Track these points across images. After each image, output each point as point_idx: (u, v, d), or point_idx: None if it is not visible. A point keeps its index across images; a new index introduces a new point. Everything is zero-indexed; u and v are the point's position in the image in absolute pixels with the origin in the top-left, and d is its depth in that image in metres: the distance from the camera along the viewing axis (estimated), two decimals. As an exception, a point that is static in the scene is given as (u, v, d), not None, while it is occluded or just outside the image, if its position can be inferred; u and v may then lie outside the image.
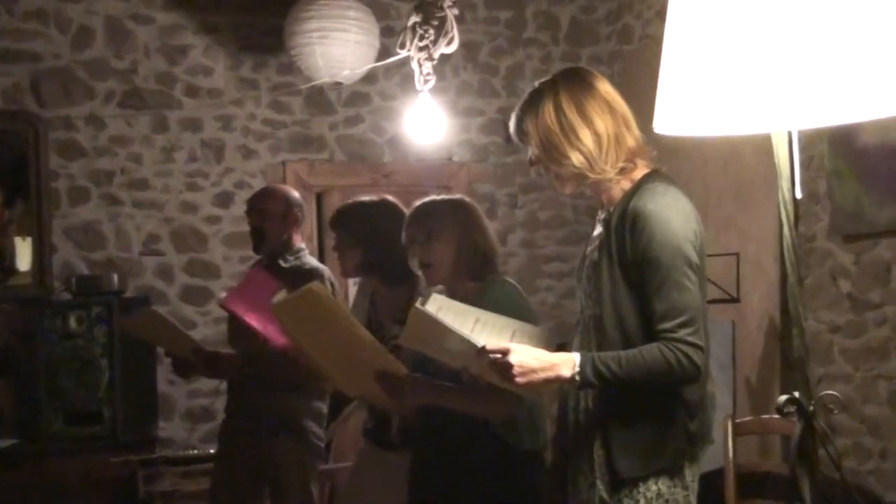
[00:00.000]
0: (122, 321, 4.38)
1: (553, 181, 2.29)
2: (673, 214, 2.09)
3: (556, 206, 5.69)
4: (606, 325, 2.14)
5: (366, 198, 3.32)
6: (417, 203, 2.83)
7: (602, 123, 2.18)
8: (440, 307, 2.33)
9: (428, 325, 2.24)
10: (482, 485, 2.57)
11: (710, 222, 4.82)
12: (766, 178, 4.24)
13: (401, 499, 2.96)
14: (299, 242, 3.81)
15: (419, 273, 2.82)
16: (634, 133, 2.22)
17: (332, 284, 3.68)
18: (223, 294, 3.82)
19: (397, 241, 2.91)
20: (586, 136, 2.17)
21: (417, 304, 2.26)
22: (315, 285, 2.51)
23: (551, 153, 2.20)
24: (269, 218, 3.75)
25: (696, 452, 2.18)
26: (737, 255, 4.15)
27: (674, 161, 4.79)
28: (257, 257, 3.94)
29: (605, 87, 2.23)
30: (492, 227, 2.83)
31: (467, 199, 2.86)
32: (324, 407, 3.75)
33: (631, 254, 2.11)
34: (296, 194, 3.89)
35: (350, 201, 3.32)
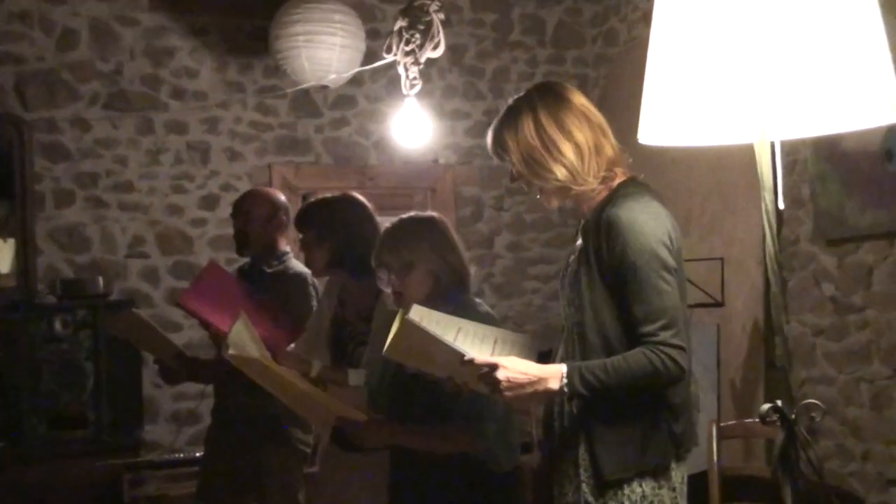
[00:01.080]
0: (108, 323, 4.38)
1: (537, 196, 2.30)
2: (646, 220, 2.12)
3: (542, 209, 5.70)
4: (588, 333, 2.16)
5: (328, 195, 3.32)
6: (389, 227, 2.76)
7: (581, 135, 2.21)
8: (422, 317, 2.34)
9: (415, 336, 2.24)
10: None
11: (694, 227, 4.85)
12: (750, 182, 4.25)
13: (368, 498, 2.97)
14: (284, 246, 3.80)
15: (387, 290, 2.77)
16: (611, 141, 2.26)
17: (315, 289, 3.68)
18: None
19: (363, 233, 2.91)
20: (568, 150, 2.19)
21: (403, 315, 2.26)
22: (259, 359, 2.52)
23: (534, 169, 2.22)
24: (252, 221, 3.74)
25: (683, 453, 2.20)
26: (721, 259, 4.17)
27: (659, 166, 4.82)
28: (243, 260, 3.94)
29: (579, 100, 2.26)
30: (463, 245, 2.77)
31: (438, 216, 2.80)
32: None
33: (608, 261, 2.13)
34: (281, 197, 3.88)
35: (312, 199, 3.33)
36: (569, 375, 2.10)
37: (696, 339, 4.49)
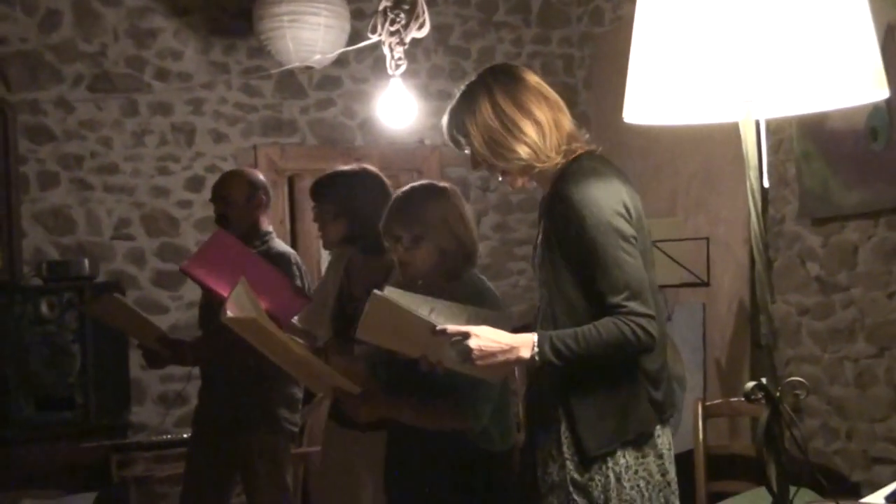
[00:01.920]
0: (84, 306, 4.36)
1: (500, 178, 2.29)
2: (596, 192, 2.12)
3: (527, 190, 5.69)
4: (557, 312, 2.17)
5: (346, 167, 3.28)
6: (401, 194, 2.69)
7: (540, 112, 2.21)
8: (398, 297, 2.33)
9: (386, 311, 2.23)
10: (453, 486, 2.58)
11: (680, 206, 4.86)
12: (736, 161, 4.26)
13: (371, 474, 2.97)
14: (266, 226, 3.78)
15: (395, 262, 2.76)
16: (568, 117, 2.27)
17: (299, 269, 3.67)
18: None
19: (379, 210, 2.88)
20: (529, 128, 2.19)
21: (376, 292, 2.26)
22: (257, 318, 2.48)
23: (496, 150, 2.21)
24: (232, 204, 3.72)
25: (666, 418, 2.21)
26: (707, 238, 4.18)
27: (645, 146, 4.82)
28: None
29: (533, 78, 2.27)
30: (474, 219, 2.73)
31: (451, 188, 2.72)
32: (298, 392, 3.75)
33: (565, 239, 2.13)
34: (259, 177, 3.85)
35: (329, 171, 3.26)
36: (539, 344, 2.11)
37: (681, 318, 4.54)
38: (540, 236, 2.26)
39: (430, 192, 2.69)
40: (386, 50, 4.15)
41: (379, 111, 4.63)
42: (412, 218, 2.61)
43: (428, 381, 2.44)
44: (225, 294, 3.26)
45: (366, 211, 3.07)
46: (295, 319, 3.36)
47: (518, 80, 2.25)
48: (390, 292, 2.36)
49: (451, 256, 2.63)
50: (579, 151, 2.24)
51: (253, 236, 3.71)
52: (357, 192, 3.12)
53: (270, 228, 3.81)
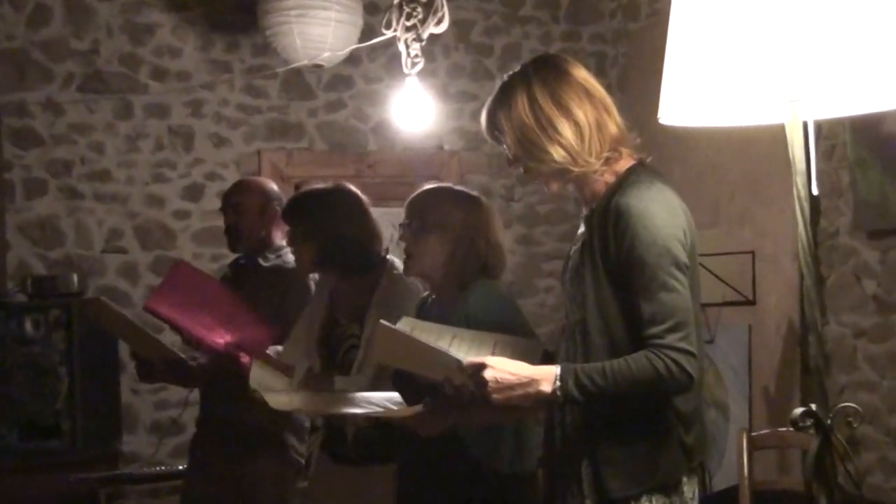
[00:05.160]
0: (80, 307, 4.38)
1: (537, 180, 2.30)
2: (658, 210, 2.11)
3: (556, 200, 5.70)
4: (592, 332, 2.16)
5: (319, 185, 3.32)
6: (433, 186, 2.81)
7: (581, 112, 2.20)
8: (413, 328, 2.35)
9: (397, 342, 2.26)
10: None
11: (723, 218, 4.84)
12: (784, 167, 4.24)
13: None
14: (280, 239, 3.80)
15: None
16: (616, 119, 2.24)
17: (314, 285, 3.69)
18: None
19: (354, 229, 2.91)
20: (565, 128, 2.19)
21: (382, 322, 2.28)
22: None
23: (530, 150, 2.21)
24: (244, 214, 3.74)
25: (695, 466, 2.20)
26: (752, 252, 4.17)
27: (682, 150, 4.81)
28: (232, 256, 3.94)
29: (580, 73, 2.26)
30: (504, 237, 2.79)
31: (485, 201, 2.82)
32: (306, 419, 3.75)
33: (614, 254, 2.13)
34: (274, 187, 3.89)
35: (301, 191, 3.34)
36: (562, 378, 2.10)
37: (724, 340, 4.52)
38: (576, 248, 2.26)
39: (458, 194, 2.78)
40: (401, 47, 4.17)
41: (394, 113, 4.64)
42: (426, 206, 2.70)
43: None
44: (195, 332, 3.33)
45: (337, 230, 3.13)
46: (275, 350, 3.39)
47: (562, 73, 2.24)
48: (406, 322, 2.38)
49: (462, 263, 2.65)
50: (626, 160, 2.22)
51: (265, 249, 3.73)
52: (328, 212, 3.16)
53: (283, 242, 3.83)
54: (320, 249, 3.17)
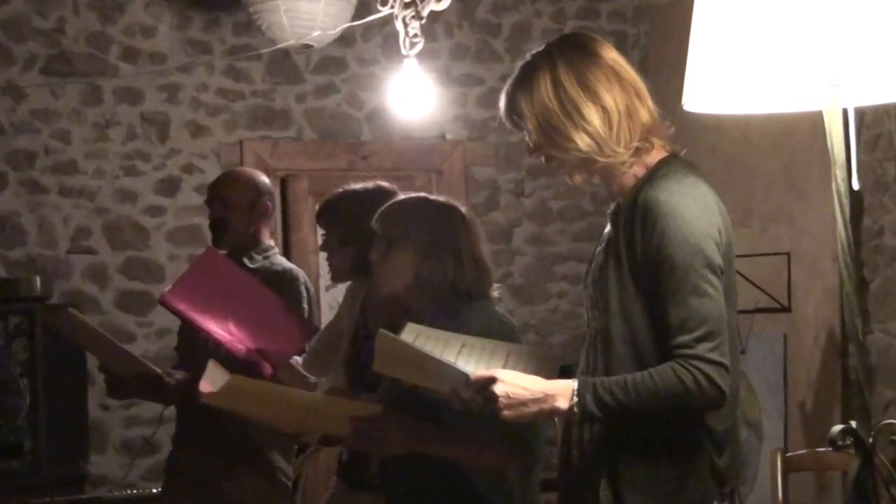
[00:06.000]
0: (45, 317, 4.38)
1: (559, 171, 2.31)
2: (690, 206, 2.11)
3: (571, 195, 5.71)
4: (615, 340, 2.16)
5: (357, 186, 3.34)
6: (405, 197, 2.84)
7: (609, 97, 2.19)
8: (417, 335, 2.36)
9: (399, 352, 2.28)
10: None
11: (756, 214, 4.85)
12: (824, 159, 4.26)
13: None
14: (268, 239, 3.82)
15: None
16: (648, 105, 2.23)
17: (307, 290, 3.70)
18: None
19: None
20: (592, 114, 2.18)
21: (382, 330, 2.29)
22: (235, 379, 2.56)
23: (552, 138, 2.21)
24: (233, 207, 3.75)
25: (726, 492, 2.20)
26: (788, 254, 4.17)
27: (710, 140, 4.81)
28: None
29: (609, 54, 2.25)
30: (482, 256, 2.80)
31: (468, 213, 2.82)
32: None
33: (641, 254, 2.12)
34: (265, 179, 3.90)
35: (339, 191, 3.34)
36: (580, 393, 2.10)
37: (757, 351, 4.52)
38: (601, 247, 2.26)
39: (435, 205, 2.80)
40: (399, 25, 4.17)
41: (390, 99, 4.65)
42: (394, 220, 2.74)
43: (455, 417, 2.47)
44: (215, 331, 3.31)
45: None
46: (296, 360, 3.39)
47: (589, 54, 2.23)
48: (411, 329, 2.39)
49: (427, 280, 2.69)
50: (658, 151, 2.22)
51: (251, 249, 3.74)
52: (367, 213, 3.16)
53: (272, 242, 3.85)
54: (360, 256, 3.17)
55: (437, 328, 2.53)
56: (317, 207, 3.41)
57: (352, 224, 3.21)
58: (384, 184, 3.34)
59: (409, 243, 2.71)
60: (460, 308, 2.70)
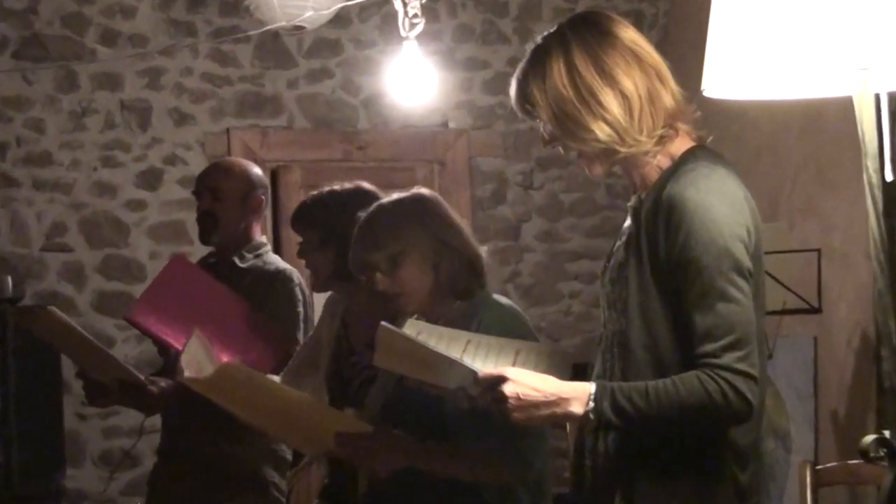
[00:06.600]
0: (19, 317, 4.38)
1: (577, 162, 2.30)
2: (718, 205, 2.10)
3: (584, 187, 5.71)
4: (633, 346, 2.16)
5: (336, 186, 3.35)
6: (365, 215, 2.82)
7: (629, 81, 2.18)
8: (419, 332, 2.37)
9: (401, 347, 2.28)
10: None
11: (783, 208, 4.85)
12: (856, 149, 4.26)
13: None
14: (260, 235, 3.82)
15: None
16: (671, 88, 2.22)
17: (302, 292, 3.71)
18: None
19: None
20: (611, 100, 2.17)
21: (384, 324, 2.30)
22: (227, 365, 2.56)
23: (568, 127, 2.20)
24: (224, 200, 3.74)
25: None
26: (818, 251, 4.17)
27: (734, 129, 4.81)
28: (199, 254, 3.96)
29: (628, 34, 2.23)
30: (467, 225, 2.84)
31: (429, 193, 2.86)
32: (287, 450, 3.77)
33: (665, 254, 2.12)
34: (258, 171, 3.90)
35: (315, 193, 3.35)
36: (596, 398, 2.09)
37: (785, 355, 4.52)
38: (621, 244, 2.26)
39: (400, 203, 2.81)
40: (398, 5, 4.18)
41: (389, 85, 4.65)
42: (383, 235, 2.72)
43: (456, 423, 2.47)
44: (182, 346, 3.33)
45: None
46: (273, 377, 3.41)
47: (606, 34, 2.21)
48: (413, 325, 2.40)
49: (449, 270, 2.69)
50: (684, 140, 2.21)
51: (242, 246, 3.74)
52: (349, 212, 3.18)
53: (265, 239, 3.85)
54: (341, 258, 3.17)
55: (446, 323, 2.55)
56: (291, 215, 3.42)
57: (332, 223, 3.21)
58: (364, 184, 3.35)
59: (415, 247, 2.70)
60: (470, 303, 2.71)
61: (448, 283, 2.70)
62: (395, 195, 2.88)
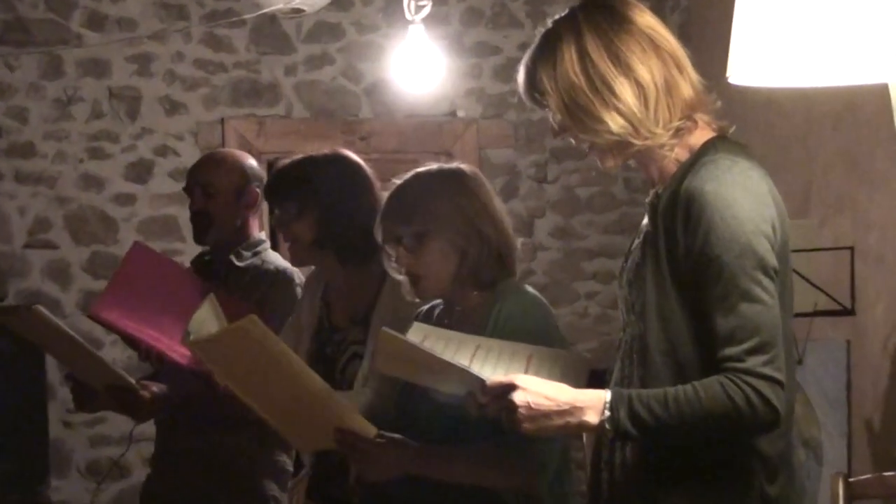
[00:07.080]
0: (2, 317, 4.39)
1: (590, 153, 2.30)
2: (740, 199, 2.10)
3: (601, 181, 5.71)
4: (652, 350, 2.15)
5: (314, 153, 3.34)
6: (399, 183, 2.78)
7: (645, 69, 2.18)
8: (426, 337, 2.36)
9: (404, 353, 2.28)
10: None
11: (814, 203, 4.84)
12: (893, 141, 4.25)
13: None
14: (258, 232, 3.81)
15: (400, 278, 2.80)
16: (690, 77, 2.21)
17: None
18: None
19: (358, 204, 2.97)
20: (625, 90, 2.17)
21: (385, 329, 2.29)
22: (248, 321, 2.52)
23: (580, 118, 2.20)
24: (216, 196, 3.74)
25: None
26: (851, 249, 4.16)
27: (761, 119, 4.80)
28: (192, 252, 3.96)
29: (644, 19, 2.23)
30: (506, 212, 2.79)
31: (470, 170, 2.81)
32: (288, 462, 3.76)
33: (684, 253, 2.11)
34: (253, 163, 3.88)
35: (292, 159, 3.32)
36: (613, 406, 2.09)
37: (816, 360, 4.51)
38: (638, 243, 2.26)
39: (437, 176, 2.76)
40: (403, -14, 4.18)
41: (393, 71, 4.66)
42: (412, 209, 2.68)
43: (466, 425, 2.47)
44: (156, 341, 3.31)
45: (338, 203, 3.14)
46: None
47: (621, 19, 2.21)
48: (418, 329, 2.39)
49: (476, 259, 2.67)
50: (703, 131, 2.21)
51: (239, 244, 3.73)
52: (328, 178, 3.17)
53: (264, 236, 3.83)
54: (321, 225, 3.17)
55: (479, 317, 2.55)
56: (265, 184, 3.39)
57: (312, 189, 3.18)
58: (343, 150, 3.34)
59: (444, 228, 2.66)
60: (492, 290, 2.70)
61: (471, 273, 2.69)
62: (436, 166, 2.84)
